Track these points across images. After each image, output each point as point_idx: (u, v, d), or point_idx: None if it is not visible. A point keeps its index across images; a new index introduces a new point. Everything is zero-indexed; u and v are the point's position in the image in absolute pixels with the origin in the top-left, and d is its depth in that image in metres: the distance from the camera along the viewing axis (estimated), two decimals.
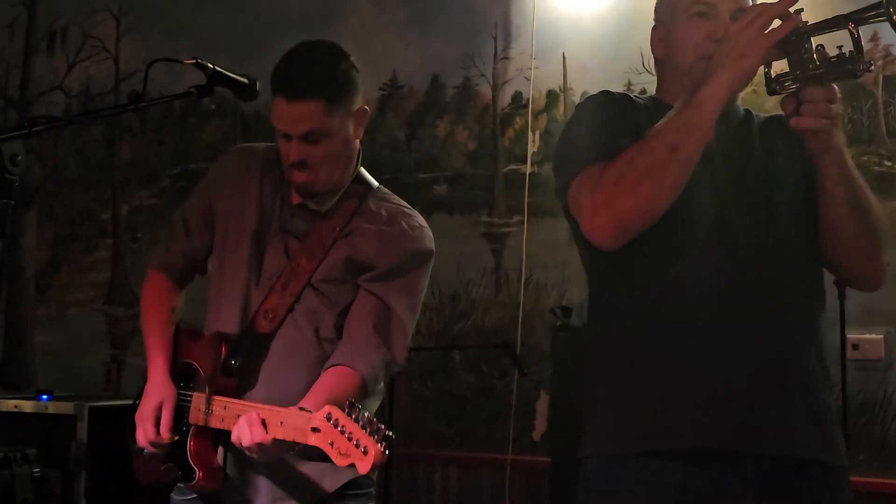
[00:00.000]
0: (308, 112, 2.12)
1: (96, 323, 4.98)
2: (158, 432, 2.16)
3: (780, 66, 1.77)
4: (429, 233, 2.30)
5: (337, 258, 2.22)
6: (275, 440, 1.97)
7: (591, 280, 1.98)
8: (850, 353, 3.34)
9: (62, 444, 3.86)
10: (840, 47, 1.67)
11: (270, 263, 2.24)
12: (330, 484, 2.18)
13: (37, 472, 3.74)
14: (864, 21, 1.64)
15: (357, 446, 1.82)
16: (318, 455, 2.15)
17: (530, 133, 4.34)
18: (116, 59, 5.19)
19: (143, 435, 2.18)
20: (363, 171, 2.33)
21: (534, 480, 4.02)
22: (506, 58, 4.43)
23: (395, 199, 2.34)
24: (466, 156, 4.47)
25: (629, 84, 4.06)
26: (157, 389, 2.20)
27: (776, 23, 1.70)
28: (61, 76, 5.29)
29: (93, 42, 5.24)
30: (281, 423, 1.97)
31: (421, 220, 2.31)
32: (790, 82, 1.74)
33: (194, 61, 1.99)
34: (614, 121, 1.89)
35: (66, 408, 3.95)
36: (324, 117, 2.14)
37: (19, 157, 1.64)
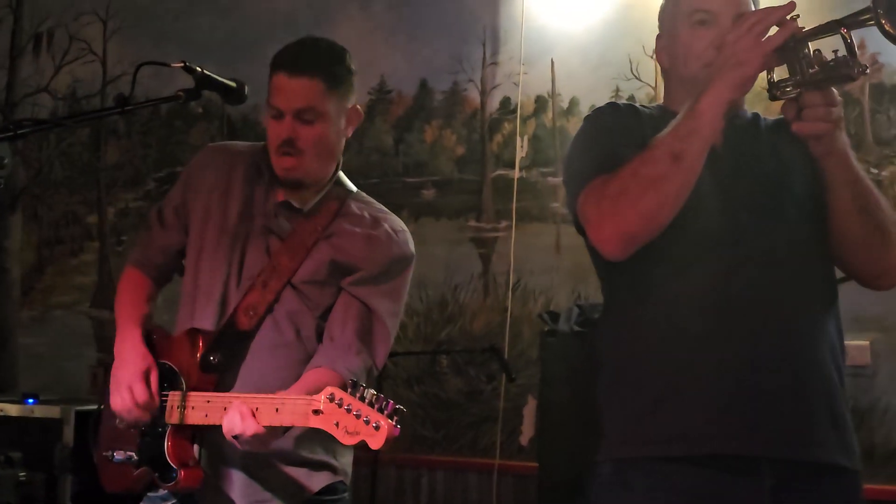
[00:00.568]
0: (308, 88, 2.14)
1: (82, 326, 4.97)
2: (149, 396, 2.09)
3: (780, 71, 1.77)
4: (410, 237, 2.30)
5: (321, 260, 2.20)
6: (268, 428, 1.94)
7: (604, 289, 1.98)
8: None
9: (47, 448, 3.84)
10: (836, 51, 1.68)
11: (252, 261, 2.21)
12: (315, 484, 2.17)
13: (22, 476, 3.72)
14: (857, 25, 1.65)
15: (367, 423, 1.80)
16: (298, 460, 2.14)
17: (518, 138, 4.33)
18: (103, 61, 5.17)
19: (130, 398, 2.09)
20: (342, 174, 2.33)
21: (521, 485, 4.02)
22: (494, 63, 4.42)
23: (375, 202, 2.34)
24: (454, 161, 4.47)
25: (617, 90, 4.06)
26: (138, 353, 2.14)
27: (774, 29, 1.71)
28: (47, 78, 5.26)
29: (79, 44, 5.22)
30: (277, 409, 1.93)
31: (402, 223, 2.31)
32: (790, 87, 1.75)
33: (182, 65, 1.98)
34: (619, 132, 1.89)
35: (52, 412, 3.93)
36: (322, 97, 2.15)
37: (5, 160, 1.64)
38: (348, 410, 1.82)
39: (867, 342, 3.60)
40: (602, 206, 1.76)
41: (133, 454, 2.17)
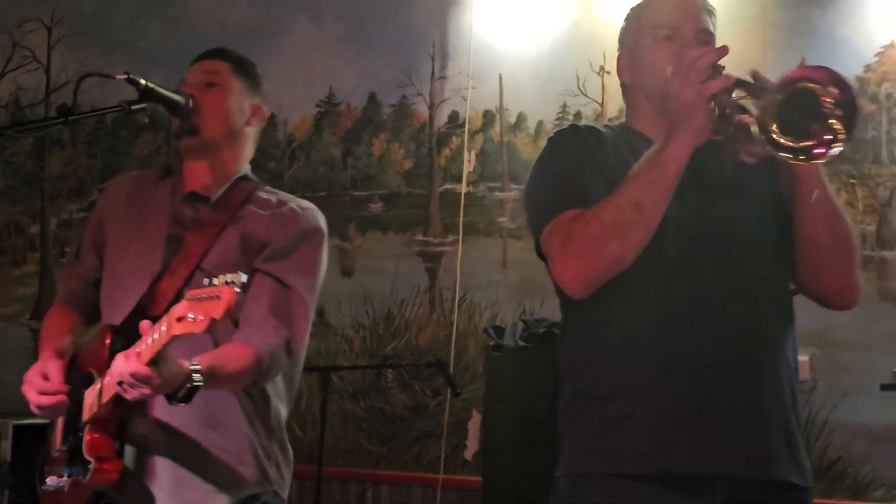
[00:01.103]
0: (215, 68, 2.28)
1: (22, 339, 4.89)
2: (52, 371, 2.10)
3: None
4: (320, 214, 2.31)
5: (230, 242, 2.20)
6: (154, 367, 1.86)
7: (563, 307, 1.99)
8: None
9: None
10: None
11: (166, 255, 2.20)
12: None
13: None
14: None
15: (209, 299, 1.75)
16: (219, 477, 2.12)
17: (466, 153, 4.35)
18: (48, 69, 5.10)
19: (33, 390, 2.09)
20: (249, 169, 2.35)
21: (465, 499, 4.03)
22: (443, 77, 4.44)
23: (283, 192, 2.36)
24: (402, 174, 4.47)
25: (564, 106, 4.09)
26: (42, 359, 2.15)
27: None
28: None
29: (23, 52, 5.15)
30: (149, 341, 1.87)
31: (311, 204, 2.33)
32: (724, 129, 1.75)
33: (127, 77, 1.97)
34: (583, 160, 1.91)
35: None
36: (228, 75, 2.28)
37: None
38: (197, 300, 1.77)
39: (806, 358, 3.65)
40: (567, 248, 1.78)
41: (64, 473, 2.13)
